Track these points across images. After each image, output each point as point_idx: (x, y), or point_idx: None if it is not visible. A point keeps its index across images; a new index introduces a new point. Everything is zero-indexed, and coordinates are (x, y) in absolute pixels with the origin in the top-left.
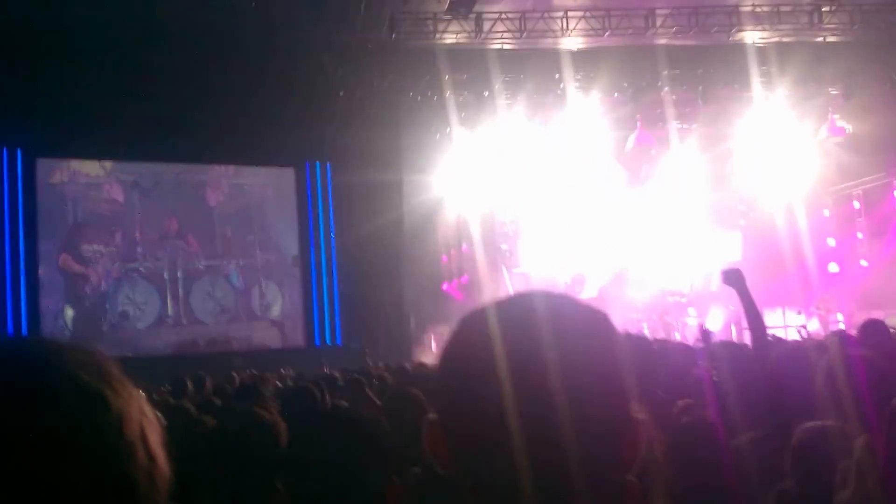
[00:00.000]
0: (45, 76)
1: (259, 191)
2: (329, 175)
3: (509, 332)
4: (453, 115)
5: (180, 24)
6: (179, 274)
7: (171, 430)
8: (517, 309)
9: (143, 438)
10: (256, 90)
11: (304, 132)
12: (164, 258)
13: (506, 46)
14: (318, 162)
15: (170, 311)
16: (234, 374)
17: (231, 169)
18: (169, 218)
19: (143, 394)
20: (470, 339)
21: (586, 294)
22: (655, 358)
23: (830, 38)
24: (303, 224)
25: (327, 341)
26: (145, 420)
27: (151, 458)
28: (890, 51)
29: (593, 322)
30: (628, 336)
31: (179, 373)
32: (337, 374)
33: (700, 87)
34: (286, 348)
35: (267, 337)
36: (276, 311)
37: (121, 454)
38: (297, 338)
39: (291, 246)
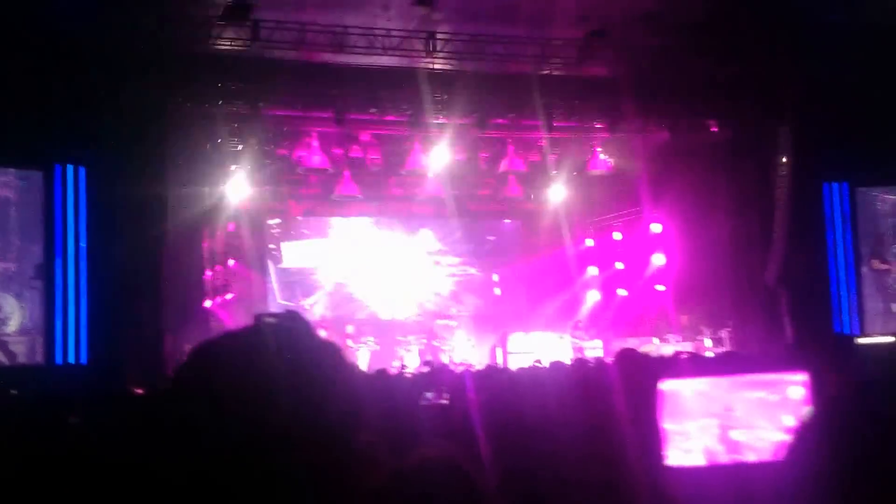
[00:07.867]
0: None
1: (0, 193)
2: (83, 180)
3: (238, 366)
4: (223, 126)
5: None
6: None
7: None
8: (248, 341)
9: None
10: (3, 82)
11: (57, 132)
12: None
13: (284, 57)
14: (70, 165)
15: None
16: None
17: None
18: None
19: None
20: (201, 371)
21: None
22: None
23: (597, 73)
24: (49, 232)
25: (70, 359)
26: None
27: None
28: (649, 88)
29: (324, 354)
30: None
31: None
32: None
33: (476, 115)
34: (22, 366)
35: (1, 353)
36: (13, 326)
37: None
38: (36, 355)
39: (35, 255)
